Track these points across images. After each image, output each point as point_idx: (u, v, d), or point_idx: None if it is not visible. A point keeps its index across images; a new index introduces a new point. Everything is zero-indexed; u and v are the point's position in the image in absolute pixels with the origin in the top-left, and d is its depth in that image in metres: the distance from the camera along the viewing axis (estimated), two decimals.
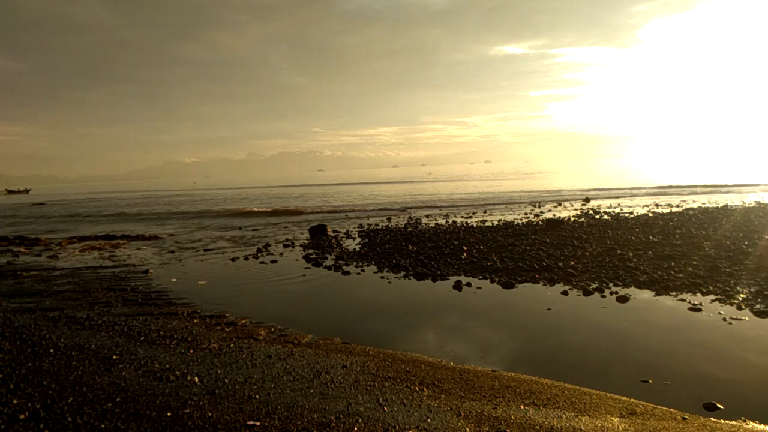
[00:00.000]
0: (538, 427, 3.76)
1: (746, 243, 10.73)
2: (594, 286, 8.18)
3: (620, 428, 3.78)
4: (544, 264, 9.77)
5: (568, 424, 3.82)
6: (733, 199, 23.17)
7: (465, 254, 11.25)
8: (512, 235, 13.81)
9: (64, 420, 3.75)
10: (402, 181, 70.98)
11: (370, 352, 5.61)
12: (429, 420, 3.85)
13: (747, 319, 6.38)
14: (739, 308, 6.78)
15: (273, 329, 6.60)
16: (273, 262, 12.06)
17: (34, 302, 8.35)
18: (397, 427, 3.72)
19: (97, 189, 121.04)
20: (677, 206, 20.78)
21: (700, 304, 7.04)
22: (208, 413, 3.91)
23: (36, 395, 4.22)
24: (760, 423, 3.93)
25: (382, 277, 9.76)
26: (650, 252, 10.44)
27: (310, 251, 13.22)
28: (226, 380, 4.65)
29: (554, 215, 19.38)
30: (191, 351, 5.56)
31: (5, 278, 10.74)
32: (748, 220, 14.43)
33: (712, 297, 7.35)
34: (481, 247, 12.05)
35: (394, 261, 11.05)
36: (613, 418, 3.95)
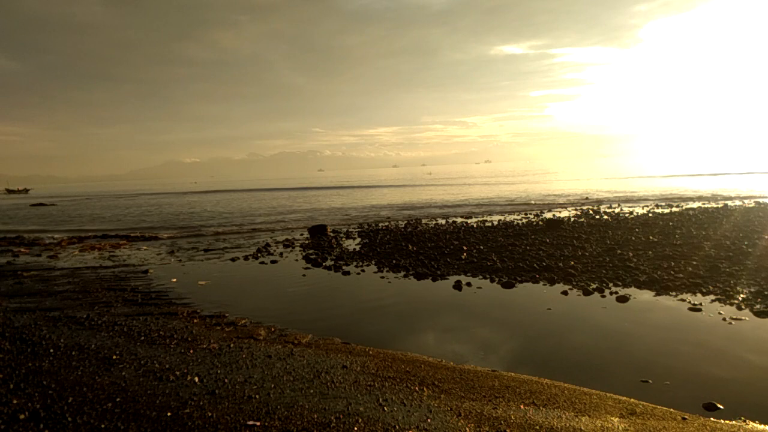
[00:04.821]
0: (538, 427, 3.76)
1: (746, 243, 10.73)
2: (594, 286, 8.17)
3: (620, 428, 3.77)
4: (544, 264, 9.76)
5: (568, 424, 3.82)
6: (733, 199, 23.16)
7: (465, 254, 11.24)
8: (512, 235, 13.81)
9: (64, 420, 3.75)
10: (401, 185, 70.74)
11: (370, 352, 5.61)
12: (429, 420, 3.85)
13: (747, 319, 6.38)
14: (739, 308, 6.77)
15: (273, 329, 6.60)
16: (273, 262, 12.05)
17: (34, 302, 8.35)
18: (397, 427, 3.72)
19: (97, 189, 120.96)
20: (677, 206, 20.78)
21: (700, 304, 7.04)
22: (208, 413, 3.91)
23: (36, 395, 4.22)
24: (760, 423, 3.93)
25: (382, 277, 9.76)
26: (650, 252, 10.44)
27: (310, 251, 13.22)
28: (226, 380, 4.65)
29: (554, 215, 19.38)
30: (191, 351, 5.56)
31: (5, 278, 10.74)
32: (748, 220, 14.43)
33: (712, 297, 7.35)
34: (481, 247, 12.05)
35: (394, 261, 11.05)
36: (613, 418, 3.95)
